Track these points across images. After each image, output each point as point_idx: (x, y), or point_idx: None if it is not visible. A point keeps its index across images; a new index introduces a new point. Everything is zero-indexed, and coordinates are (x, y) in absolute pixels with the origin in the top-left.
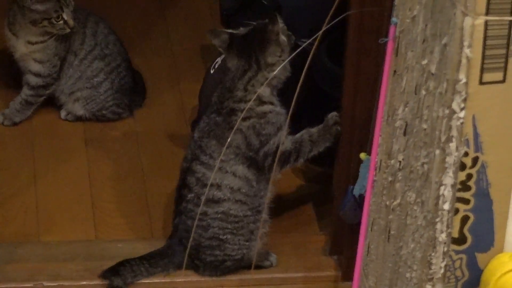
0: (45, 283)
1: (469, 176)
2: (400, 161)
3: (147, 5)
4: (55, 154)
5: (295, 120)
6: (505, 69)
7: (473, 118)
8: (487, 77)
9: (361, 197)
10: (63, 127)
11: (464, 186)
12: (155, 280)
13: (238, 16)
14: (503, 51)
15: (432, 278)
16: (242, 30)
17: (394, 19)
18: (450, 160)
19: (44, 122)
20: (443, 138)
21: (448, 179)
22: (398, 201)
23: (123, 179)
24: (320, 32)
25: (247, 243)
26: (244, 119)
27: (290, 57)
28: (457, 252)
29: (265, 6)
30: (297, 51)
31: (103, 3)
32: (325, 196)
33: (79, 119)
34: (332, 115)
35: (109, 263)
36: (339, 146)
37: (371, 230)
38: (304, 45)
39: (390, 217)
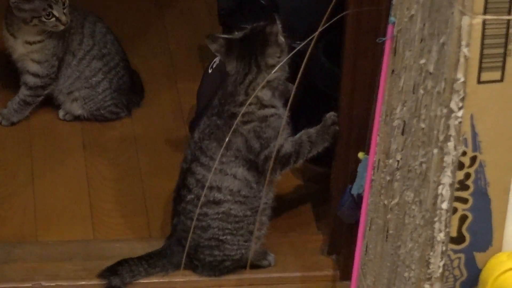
0: (43, 283)
1: (467, 175)
2: (398, 161)
3: (145, 4)
4: (53, 154)
5: (293, 120)
6: (503, 68)
7: (471, 117)
8: (485, 76)
9: (359, 197)
10: (61, 127)
11: (462, 185)
12: (154, 280)
13: (236, 16)
14: (501, 50)
15: (431, 277)
16: (238, 34)
17: (392, 18)
18: (448, 159)
19: (42, 122)
20: (441, 137)
21: (446, 178)
22: (396, 200)
23: (121, 179)
24: (317, 32)
25: (246, 244)
26: (245, 122)
27: (287, 58)
28: (456, 252)
29: (263, 6)
30: (294, 51)
31: (101, 3)
32: (323, 196)
33: (77, 118)
34: (330, 115)
35: (107, 263)
36: (337, 145)
37: (369, 230)
38: (301, 45)
39: (388, 216)
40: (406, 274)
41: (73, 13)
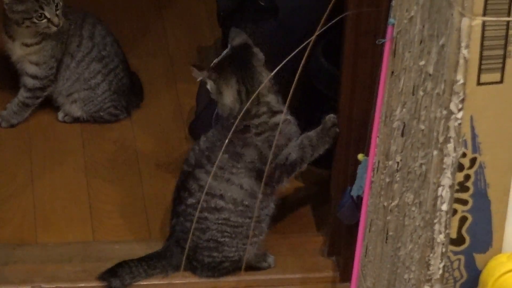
0: (43, 285)
1: (467, 177)
2: (398, 162)
3: (144, 6)
4: (52, 156)
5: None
6: (502, 70)
7: (471, 118)
8: (485, 77)
9: (359, 198)
10: (60, 128)
11: (462, 187)
12: (153, 281)
13: (235, 17)
14: (501, 52)
15: (431, 279)
16: (217, 60)
17: (391, 19)
18: (448, 161)
19: (41, 124)
20: (441, 139)
21: (446, 180)
22: (396, 202)
23: (120, 181)
24: (316, 33)
25: (244, 246)
26: (259, 134)
27: (287, 59)
28: (455, 253)
29: (262, 7)
30: (293, 53)
31: (100, 5)
32: (322, 197)
33: (76, 120)
34: (330, 117)
35: (106, 265)
36: (337, 147)
37: (369, 231)
38: (301, 47)
39: (388, 218)
40: (406, 276)
41: (71, 15)
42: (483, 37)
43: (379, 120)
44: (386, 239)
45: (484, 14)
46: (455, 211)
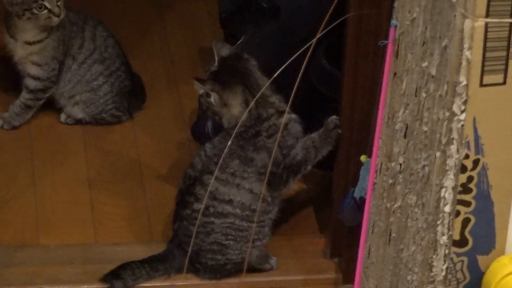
0: (45, 287)
1: (470, 178)
2: (400, 164)
3: (145, 8)
4: (54, 158)
5: None
6: (505, 71)
7: (474, 120)
8: (488, 79)
9: (362, 200)
10: (62, 130)
11: (465, 188)
12: (156, 283)
13: (237, 19)
14: (504, 53)
15: (433, 280)
16: (213, 67)
17: (394, 21)
18: (450, 162)
19: (43, 126)
20: (443, 141)
21: (449, 182)
22: (398, 203)
23: (122, 182)
24: (318, 35)
25: (248, 248)
26: (269, 136)
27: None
28: (458, 255)
29: (264, 8)
30: (296, 54)
31: (100, 7)
32: (325, 199)
33: (78, 122)
34: (332, 119)
35: (108, 266)
36: (339, 148)
37: (371, 233)
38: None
39: (391, 219)
40: (409, 277)
41: (73, 17)
42: (485, 39)
43: (381, 122)
44: (389, 240)
45: (487, 16)
46: (458, 213)
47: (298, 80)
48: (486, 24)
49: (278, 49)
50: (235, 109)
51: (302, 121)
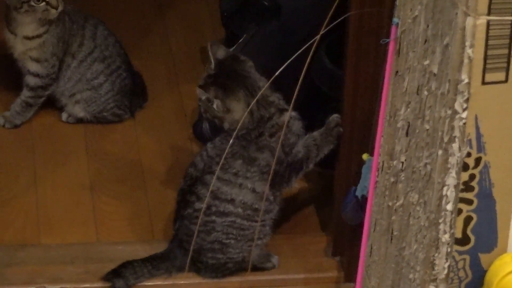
0: (46, 286)
1: (472, 177)
2: (402, 162)
3: (146, 7)
4: (56, 157)
5: None
6: (507, 69)
7: (476, 118)
8: (490, 77)
9: (363, 198)
10: (63, 129)
11: (467, 187)
12: (157, 282)
13: (239, 18)
14: (505, 51)
15: (436, 279)
16: (210, 70)
17: (395, 19)
18: (452, 160)
19: (44, 125)
20: (445, 139)
21: (451, 180)
22: (400, 202)
23: (123, 181)
24: (320, 34)
25: (249, 248)
26: (272, 135)
27: (290, 59)
28: (460, 253)
29: (265, 7)
30: (298, 53)
31: (101, 6)
32: (326, 198)
33: (80, 121)
34: (333, 117)
35: (109, 265)
36: (340, 147)
37: (373, 231)
38: (304, 47)
39: (393, 218)
40: (411, 276)
41: (74, 16)
42: (487, 37)
43: (383, 120)
44: (391, 239)
45: (489, 14)
46: (460, 211)
47: (301, 79)
48: (488, 22)
49: (279, 48)
50: (238, 113)
51: (303, 120)
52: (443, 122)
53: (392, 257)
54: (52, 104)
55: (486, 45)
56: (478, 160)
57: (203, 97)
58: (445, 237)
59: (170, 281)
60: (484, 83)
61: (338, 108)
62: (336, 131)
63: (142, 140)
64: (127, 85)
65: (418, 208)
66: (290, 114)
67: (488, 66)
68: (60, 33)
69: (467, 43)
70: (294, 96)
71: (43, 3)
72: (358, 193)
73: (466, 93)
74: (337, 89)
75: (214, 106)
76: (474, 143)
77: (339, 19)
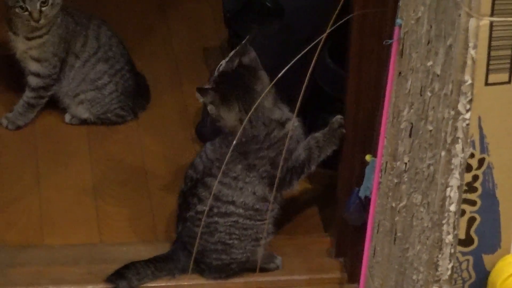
0: (50, 287)
1: (475, 178)
2: (405, 163)
3: (149, 7)
4: (58, 158)
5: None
6: (510, 70)
7: (479, 119)
8: (493, 78)
9: (367, 199)
10: (66, 130)
11: (470, 188)
12: (160, 283)
13: (241, 18)
14: (509, 52)
15: (439, 280)
16: (217, 78)
17: (398, 20)
18: (456, 161)
19: (47, 126)
20: (448, 140)
21: (454, 181)
22: (404, 202)
23: (126, 182)
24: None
25: (252, 248)
26: (270, 146)
27: (293, 61)
28: (464, 254)
29: (268, 7)
30: (300, 55)
31: (105, 7)
32: (329, 198)
33: (83, 122)
34: (336, 118)
35: (113, 267)
36: (343, 148)
37: (376, 232)
38: (308, 48)
39: (396, 219)
40: (414, 277)
41: (77, 16)
42: (490, 38)
43: (386, 121)
44: (394, 240)
45: (492, 14)
46: (463, 212)
47: (306, 81)
48: (491, 23)
49: (282, 48)
50: (230, 123)
51: (306, 121)
52: (446, 123)
53: (396, 258)
54: (54, 106)
55: (489, 46)
56: (481, 161)
57: (200, 100)
58: (449, 238)
59: (174, 282)
60: (487, 84)
61: (341, 109)
62: (339, 132)
63: (145, 141)
64: (131, 86)
65: (421, 209)
66: (292, 123)
67: (491, 67)
68: (62, 33)
69: (470, 44)
70: (298, 104)
71: (26, 13)
72: (361, 194)
73: (469, 94)
74: (340, 90)
75: (208, 109)
76: (477, 144)
77: (343, 20)
